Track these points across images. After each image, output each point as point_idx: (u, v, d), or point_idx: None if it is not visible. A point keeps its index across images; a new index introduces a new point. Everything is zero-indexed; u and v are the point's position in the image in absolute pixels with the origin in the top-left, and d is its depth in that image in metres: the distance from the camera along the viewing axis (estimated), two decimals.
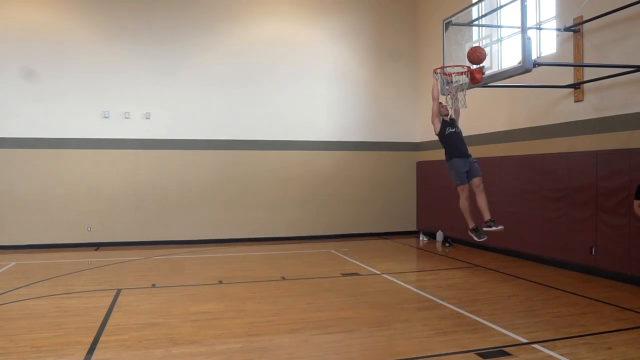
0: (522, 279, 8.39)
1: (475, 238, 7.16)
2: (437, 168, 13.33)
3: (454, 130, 7.17)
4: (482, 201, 7.08)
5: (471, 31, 10.14)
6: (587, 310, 6.49)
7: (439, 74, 7.33)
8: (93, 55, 12.40)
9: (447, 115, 7.27)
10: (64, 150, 12.21)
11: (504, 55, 11.03)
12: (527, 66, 6.88)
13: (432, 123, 7.31)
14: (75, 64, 12.31)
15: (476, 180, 7.06)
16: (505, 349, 5.03)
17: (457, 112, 7.38)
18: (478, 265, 9.64)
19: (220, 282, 8.39)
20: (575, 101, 9.02)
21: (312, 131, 13.77)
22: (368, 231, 14.08)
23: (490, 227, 7.00)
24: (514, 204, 10.39)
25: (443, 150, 7.41)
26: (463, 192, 7.09)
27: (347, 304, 6.95)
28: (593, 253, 8.48)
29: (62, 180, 12.04)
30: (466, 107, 7.58)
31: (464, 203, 7.12)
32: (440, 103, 7.30)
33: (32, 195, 12.01)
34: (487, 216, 7.04)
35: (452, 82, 7.43)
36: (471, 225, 7.16)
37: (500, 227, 6.93)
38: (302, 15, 13.80)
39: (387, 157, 14.32)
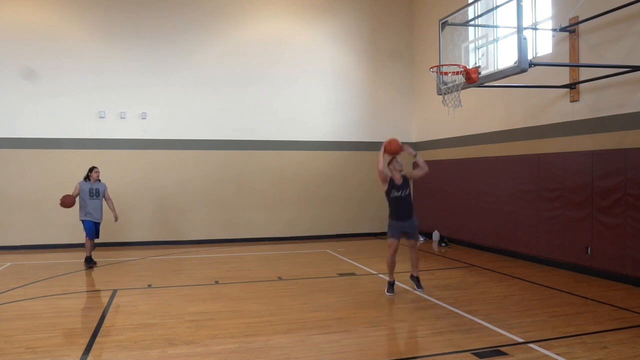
0: (518, 278, 8.41)
1: (387, 291, 7.44)
2: (433, 168, 13.32)
3: (399, 194, 7.21)
4: (414, 258, 7.51)
5: (467, 31, 10.15)
6: (582, 309, 6.51)
7: (386, 155, 7.26)
8: (89, 56, 12.37)
9: (400, 171, 7.31)
10: (59, 150, 12.18)
11: (500, 55, 11.05)
12: (523, 66, 6.90)
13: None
14: (70, 64, 12.27)
15: (411, 242, 7.40)
16: (501, 348, 5.04)
17: (417, 172, 7.42)
18: (474, 265, 9.66)
19: (217, 282, 8.38)
20: (571, 101, 9.04)
21: (308, 131, 13.77)
22: (364, 231, 14.09)
23: (414, 282, 7.58)
24: (509, 204, 10.42)
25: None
26: (391, 247, 7.36)
27: (343, 304, 6.95)
28: (589, 253, 8.50)
29: (57, 181, 11.96)
30: (461, 106, 7.60)
31: (390, 258, 7.42)
32: (394, 159, 7.30)
33: (28, 196, 11.98)
34: (414, 272, 7.57)
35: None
36: (390, 278, 7.52)
37: (419, 290, 7.47)
38: (299, 15, 13.79)
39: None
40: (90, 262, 9.74)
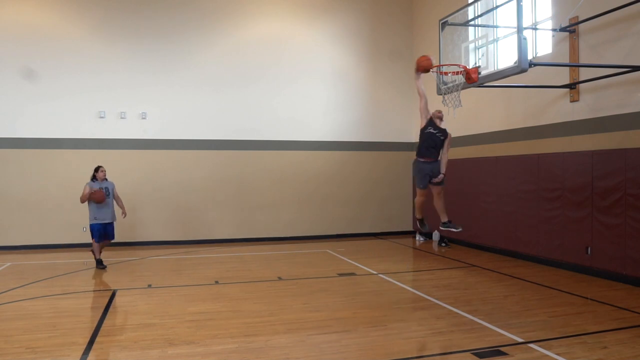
0: (518, 278, 8.41)
1: (420, 228, 7.61)
2: None
3: (435, 131, 7.02)
4: (439, 205, 7.35)
5: (467, 31, 10.15)
6: (582, 309, 6.51)
7: (420, 73, 7.04)
8: (89, 56, 12.36)
9: (440, 118, 7.13)
10: (59, 150, 12.18)
11: (500, 55, 11.05)
12: (523, 66, 6.89)
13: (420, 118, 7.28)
14: (70, 64, 12.26)
15: (437, 188, 7.22)
16: (501, 348, 5.04)
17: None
18: (474, 265, 9.66)
19: (217, 282, 8.38)
20: (571, 101, 9.04)
21: (308, 131, 13.77)
22: (364, 231, 14.09)
23: (448, 228, 7.36)
24: (509, 204, 10.41)
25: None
26: (422, 196, 7.35)
27: (343, 304, 6.95)
28: (589, 253, 8.51)
29: (57, 181, 12.01)
30: (461, 106, 7.60)
31: (420, 200, 7.42)
32: (438, 110, 7.20)
33: (28, 196, 11.97)
34: (444, 218, 7.39)
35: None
36: (419, 215, 7.63)
37: (459, 229, 7.31)
38: (299, 15, 13.79)
39: (383, 157, 14.33)
40: (100, 264, 9.58)
